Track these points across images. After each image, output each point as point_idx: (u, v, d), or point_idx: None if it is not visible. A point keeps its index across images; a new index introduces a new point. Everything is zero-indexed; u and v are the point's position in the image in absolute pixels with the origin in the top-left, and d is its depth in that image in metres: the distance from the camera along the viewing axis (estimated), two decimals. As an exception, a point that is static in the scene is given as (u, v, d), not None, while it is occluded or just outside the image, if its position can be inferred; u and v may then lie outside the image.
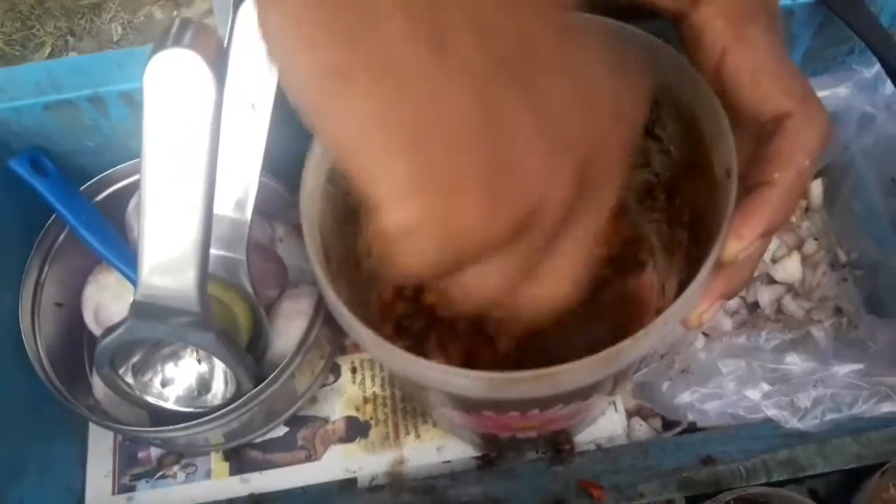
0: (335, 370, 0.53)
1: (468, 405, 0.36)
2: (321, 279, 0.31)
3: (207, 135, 0.32)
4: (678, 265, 0.38)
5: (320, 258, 0.32)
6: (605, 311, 0.45)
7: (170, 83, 0.31)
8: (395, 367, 0.30)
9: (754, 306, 0.52)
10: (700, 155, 0.34)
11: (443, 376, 0.29)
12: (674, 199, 0.38)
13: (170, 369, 0.44)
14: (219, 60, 0.32)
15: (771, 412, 0.44)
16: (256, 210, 0.46)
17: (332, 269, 0.32)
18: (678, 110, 0.34)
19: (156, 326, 0.38)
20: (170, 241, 0.35)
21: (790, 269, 0.52)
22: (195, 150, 0.33)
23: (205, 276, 0.36)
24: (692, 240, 0.36)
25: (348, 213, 0.39)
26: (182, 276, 0.36)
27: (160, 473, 0.50)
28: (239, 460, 0.50)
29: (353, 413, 0.51)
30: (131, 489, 0.50)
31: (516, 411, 0.35)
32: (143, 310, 0.37)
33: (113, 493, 0.50)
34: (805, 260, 0.52)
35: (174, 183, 0.34)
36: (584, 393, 0.36)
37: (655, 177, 0.39)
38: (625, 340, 0.28)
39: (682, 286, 0.36)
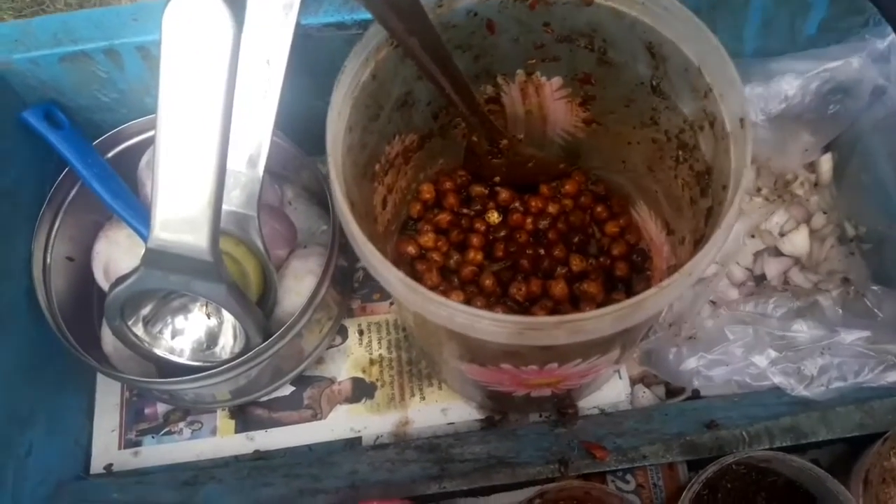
0: (342, 332, 0.53)
1: (487, 357, 0.37)
2: (346, 216, 0.31)
3: (225, 77, 0.33)
4: (688, 222, 0.38)
5: (346, 200, 0.32)
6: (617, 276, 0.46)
7: (188, 25, 0.32)
8: (420, 309, 0.30)
9: (761, 278, 0.52)
10: (708, 108, 0.34)
11: (469, 319, 0.29)
12: (683, 155, 0.38)
13: (179, 322, 0.44)
14: (238, 4, 0.32)
15: (777, 379, 0.44)
16: (268, 171, 0.47)
17: (356, 214, 0.32)
18: (684, 65, 0.34)
19: (167, 276, 0.38)
20: (184, 190, 0.35)
21: (798, 242, 0.52)
22: (212, 94, 0.33)
23: (217, 226, 0.36)
24: (703, 194, 0.36)
25: (366, 166, 0.40)
26: (195, 226, 0.36)
27: (166, 429, 0.51)
28: (245, 418, 0.51)
29: (360, 374, 0.52)
30: (137, 444, 0.50)
31: (535, 365, 0.36)
32: (155, 259, 0.37)
33: (119, 448, 0.50)
34: (813, 234, 0.52)
35: (191, 127, 0.34)
36: (604, 346, 0.36)
37: (664, 134, 0.39)
38: (649, 290, 0.28)
39: (696, 241, 0.36)
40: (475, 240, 0.46)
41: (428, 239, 0.46)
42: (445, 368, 0.44)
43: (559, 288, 0.43)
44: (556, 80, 0.43)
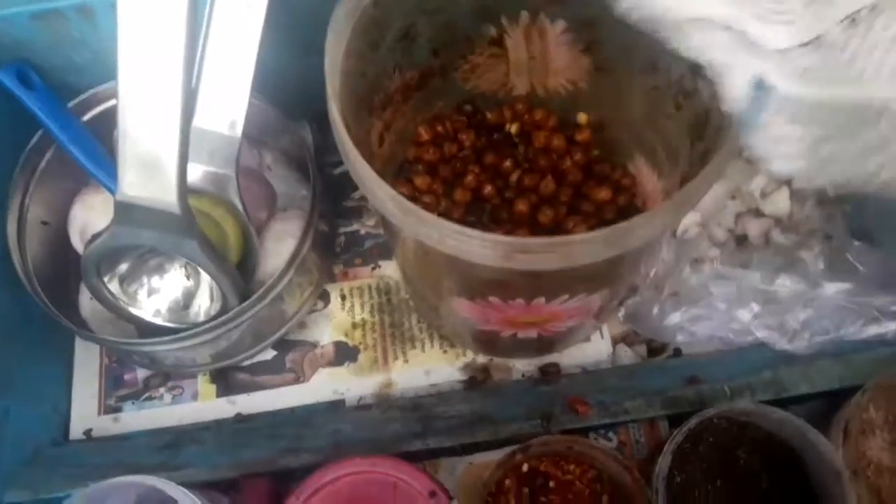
0: (324, 297, 0.53)
1: (475, 289, 0.37)
2: (342, 136, 0.31)
3: (184, 25, 0.32)
4: (683, 170, 0.38)
5: (342, 119, 0.32)
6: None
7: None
8: (413, 232, 0.30)
9: (743, 238, 0.52)
10: None
11: (459, 240, 0.29)
12: (683, 101, 0.38)
13: (156, 281, 0.44)
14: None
15: (760, 333, 0.45)
16: (246, 135, 0.46)
17: (352, 136, 0.32)
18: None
19: (138, 232, 0.37)
20: (149, 142, 0.34)
21: (779, 202, 0.52)
22: (172, 41, 0.32)
23: (184, 178, 0.36)
24: (700, 139, 0.36)
25: (364, 97, 0.39)
26: (162, 179, 0.35)
27: (146, 395, 0.50)
28: (226, 382, 0.50)
29: (342, 338, 0.51)
30: (117, 410, 0.50)
31: (522, 298, 0.36)
32: (125, 214, 0.37)
33: (99, 414, 0.50)
34: (794, 194, 0.53)
35: (152, 78, 0.33)
36: (591, 283, 0.36)
37: (667, 79, 0.39)
38: (640, 215, 0.28)
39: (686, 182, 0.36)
40: (467, 180, 0.46)
41: (422, 181, 0.46)
42: (440, 311, 0.44)
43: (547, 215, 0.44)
44: (560, 24, 0.42)
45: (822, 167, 0.25)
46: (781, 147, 0.25)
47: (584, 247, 0.29)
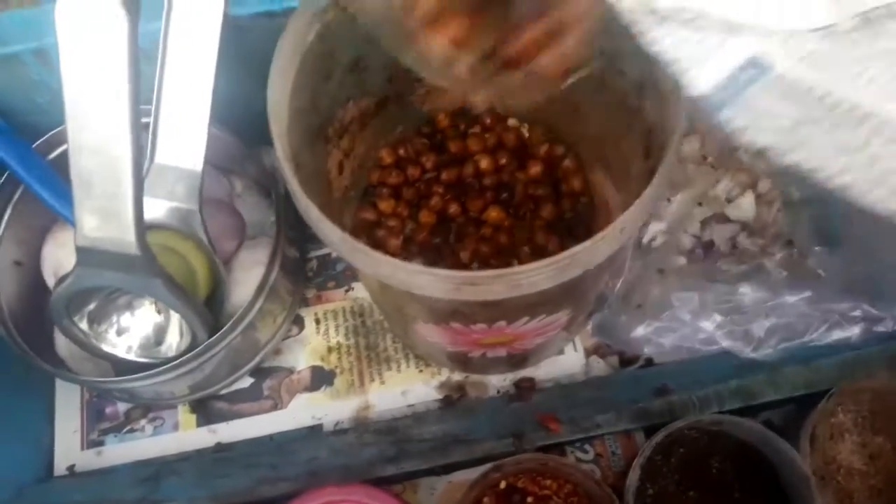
0: (298, 322, 0.53)
1: (437, 316, 0.37)
2: (287, 174, 0.32)
3: (126, 68, 0.32)
4: (636, 186, 0.39)
5: (288, 159, 0.32)
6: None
7: (81, 18, 0.31)
8: (363, 266, 0.31)
9: (710, 245, 0.52)
10: (652, 71, 0.34)
11: (408, 275, 0.30)
12: (629, 119, 0.39)
13: (126, 319, 0.44)
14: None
15: (725, 343, 0.45)
16: (214, 165, 0.46)
17: (302, 177, 0.32)
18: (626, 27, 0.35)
19: (102, 273, 0.38)
20: (101, 186, 0.34)
21: (745, 207, 0.52)
22: (115, 84, 0.32)
23: (141, 219, 0.36)
24: (647, 156, 0.36)
25: (318, 129, 0.40)
26: (118, 221, 0.35)
27: (128, 427, 0.51)
28: (206, 412, 0.51)
29: (318, 363, 0.52)
30: (100, 444, 0.51)
31: (483, 323, 0.36)
32: (87, 257, 0.37)
33: (82, 448, 0.51)
34: (759, 198, 0.53)
35: (99, 122, 0.33)
36: (549, 305, 0.37)
37: (614, 97, 0.39)
38: (583, 243, 0.29)
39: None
40: (433, 202, 0.46)
41: (386, 205, 0.46)
42: (410, 333, 0.45)
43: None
44: None
45: (796, 147, 0.25)
46: (763, 121, 0.25)
47: (529, 276, 0.29)
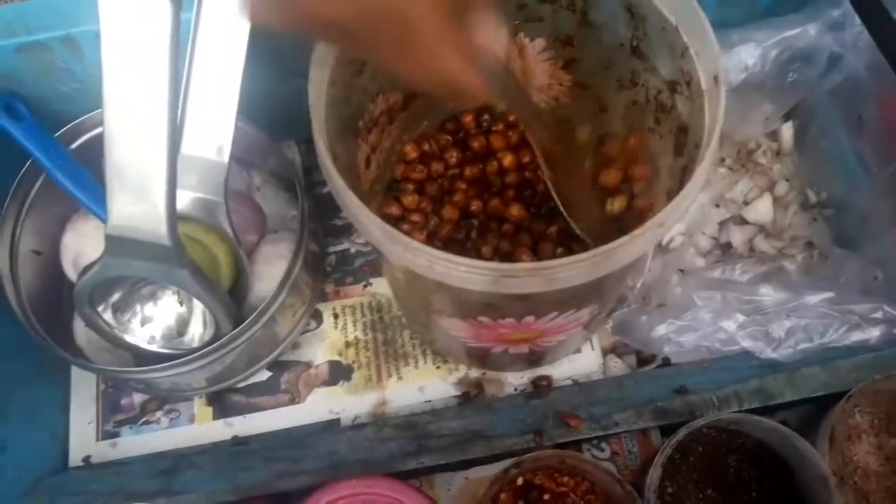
0: (317, 316, 0.53)
1: (466, 309, 0.37)
2: (329, 168, 0.31)
3: (167, 56, 0.32)
4: (664, 183, 0.39)
5: (328, 152, 0.32)
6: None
7: (124, 6, 0.31)
8: (400, 259, 0.31)
9: (727, 247, 0.53)
10: (685, 67, 0.34)
11: (447, 267, 0.29)
12: (661, 117, 0.39)
13: (149, 309, 0.44)
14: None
15: (746, 343, 0.45)
16: (235, 157, 0.46)
17: (339, 169, 0.32)
18: (662, 24, 0.35)
19: (129, 263, 0.38)
20: (136, 175, 0.35)
21: (762, 210, 0.53)
22: (156, 74, 0.32)
23: (173, 210, 0.36)
24: (678, 154, 0.37)
25: (349, 122, 0.40)
26: (151, 211, 0.35)
27: (143, 419, 0.51)
28: (222, 405, 0.51)
29: (336, 357, 0.52)
30: (115, 435, 0.50)
31: (512, 318, 0.36)
32: (116, 246, 0.37)
33: (97, 440, 0.50)
34: (777, 201, 0.53)
35: (137, 111, 0.33)
36: (578, 300, 0.37)
37: (644, 96, 0.40)
38: (621, 238, 0.29)
39: (670, 197, 0.37)
40: (456, 198, 0.46)
41: (410, 200, 0.46)
42: (431, 328, 0.45)
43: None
44: (540, 42, 0.43)
45: None
46: None
47: (567, 270, 0.30)
